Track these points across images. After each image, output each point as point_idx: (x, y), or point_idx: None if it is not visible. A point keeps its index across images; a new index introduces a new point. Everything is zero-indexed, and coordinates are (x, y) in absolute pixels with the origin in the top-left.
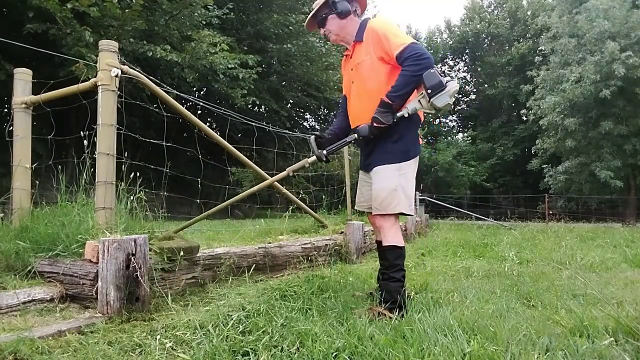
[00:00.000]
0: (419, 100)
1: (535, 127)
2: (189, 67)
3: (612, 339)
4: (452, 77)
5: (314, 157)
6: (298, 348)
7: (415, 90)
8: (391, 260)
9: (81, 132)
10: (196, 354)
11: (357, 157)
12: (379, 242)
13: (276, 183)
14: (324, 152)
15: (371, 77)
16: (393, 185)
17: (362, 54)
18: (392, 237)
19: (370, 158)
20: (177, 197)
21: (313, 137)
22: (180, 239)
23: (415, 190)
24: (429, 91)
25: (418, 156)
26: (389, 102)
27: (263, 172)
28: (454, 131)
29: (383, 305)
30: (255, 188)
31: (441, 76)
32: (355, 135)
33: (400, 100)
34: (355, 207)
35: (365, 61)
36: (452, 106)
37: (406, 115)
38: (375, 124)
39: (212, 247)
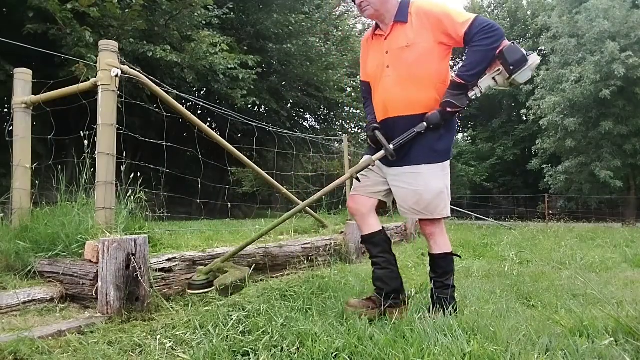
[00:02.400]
0: (493, 78)
1: (535, 127)
2: (189, 67)
3: (612, 339)
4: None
5: (382, 153)
6: (298, 348)
7: (488, 68)
8: (445, 268)
9: (81, 132)
10: (196, 354)
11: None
12: (368, 235)
13: (275, 183)
14: (391, 146)
15: (423, 62)
16: (440, 186)
17: (408, 36)
18: (444, 243)
19: (409, 154)
20: (177, 197)
21: (378, 132)
22: (233, 267)
23: None
24: (512, 67)
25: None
26: (463, 82)
27: (263, 172)
28: None
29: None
30: (321, 192)
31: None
32: (425, 124)
33: (476, 78)
34: (353, 193)
35: (418, 45)
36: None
37: (479, 95)
38: (449, 109)
39: (212, 247)
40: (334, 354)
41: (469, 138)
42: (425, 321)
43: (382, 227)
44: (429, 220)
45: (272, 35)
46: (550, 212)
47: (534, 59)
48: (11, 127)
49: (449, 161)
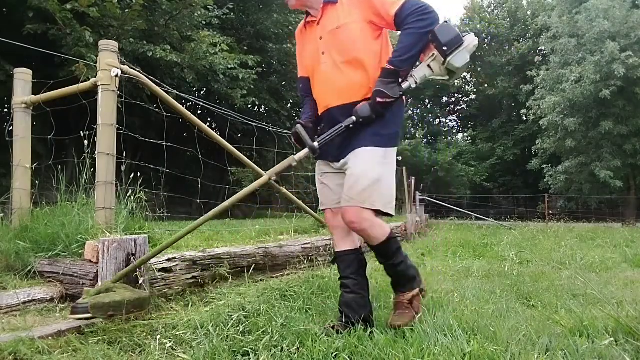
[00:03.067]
0: (428, 65)
1: (535, 127)
2: (189, 67)
3: (612, 339)
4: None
5: (305, 151)
6: (298, 348)
7: (422, 54)
8: (390, 252)
9: (81, 132)
10: (196, 354)
11: None
12: (342, 252)
13: (275, 183)
14: (316, 143)
15: (357, 43)
16: (377, 173)
17: (339, 17)
18: (380, 231)
19: (349, 141)
20: (177, 197)
21: (300, 126)
22: (125, 289)
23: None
24: (445, 48)
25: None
26: (394, 68)
27: (263, 172)
28: (454, 131)
29: (405, 291)
30: (233, 199)
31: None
32: (354, 118)
33: (408, 65)
34: (325, 208)
35: (349, 25)
36: (453, 106)
37: (413, 85)
38: (379, 99)
39: (212, 247)
40: (334, 354)
41: (469, 138)
42: (425, 321)
43: (360, 246)
44: (357, 210)
45: (272, 35)
46: (550, 212)
47: (471, 39)
48: (11, 127)
49: (394, 151)
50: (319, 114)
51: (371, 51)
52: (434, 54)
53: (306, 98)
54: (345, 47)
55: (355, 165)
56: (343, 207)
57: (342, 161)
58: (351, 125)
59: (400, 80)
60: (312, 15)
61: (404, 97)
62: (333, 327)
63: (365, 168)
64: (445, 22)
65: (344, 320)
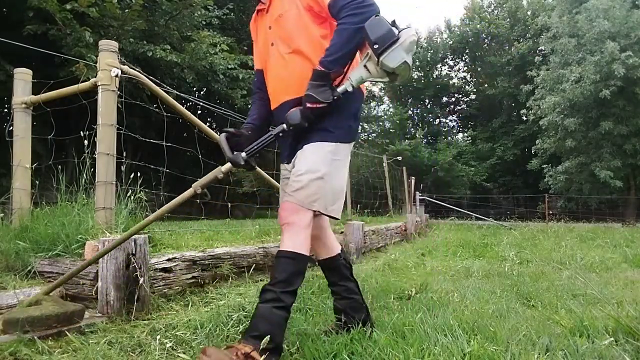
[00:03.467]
0: (364, 66)
1: (535, 127)
2: (189, 67)
3: (612, 339)
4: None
5: (228, 164)
6: (298, 348)
7: (359, 52)
8: (286, 275)
9: (81, 132)
10: (196, 354)
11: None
12: (323, 261)
13: (275, 183)
14: (243, 154)
15: (300, 32)
16: (320, 170)
17: (283, 4)
18: (299, 241)
19: (300, 139)
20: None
21: (223, 135)
22: (53, 303)
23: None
24: (376, 46)
25: (352, 143)
26: (324, 70)
27: (263, 172)
28: (454, 131)
29: (251, 342)
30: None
31: (392, 25)
32: (284, 126)
33: (339, 66)
34: None
35: (290, 12)
36: (453, 106)
37: (350, 89)
38: (309, 105)
39: (212, 247)
40: (334, 354)
41: (469, 138)
42: (425, 321)
43: (340, 250)
44: (292, 206)
45: None
46: (550, 212)
47: (407, 35)
48: (11, 127)
49: (347, 147)
50: (272, 109)
51: (313, 40)
52: (368, 52)
53: (255, 95)
54: (288, 36)
55: (299, 162)
56: (284, 201)
57: (292, 161)
58: (281, 134)
59: (333, 82)
60: (262, 2)
61: (362, 86)
62: (332, 329)
63: (308, 165)
64: (377, 15)
65: (342, 323)
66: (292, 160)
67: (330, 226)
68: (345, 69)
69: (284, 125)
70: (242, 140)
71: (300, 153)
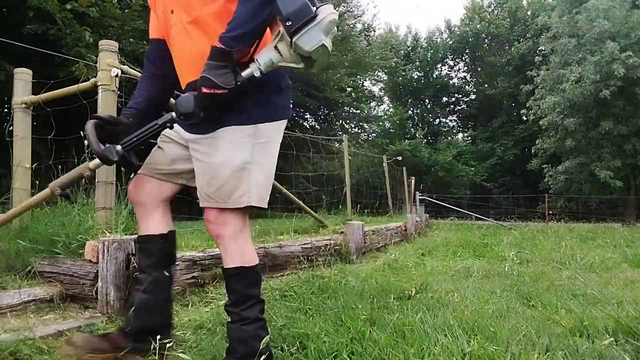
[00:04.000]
0: (275, 47)
1: (535, 127)
2: None
3: (612, 339)
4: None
5: (97, 160)
6: (298, 348)
7: (269, 30)
8: (238, 294)
9: (81, 132)
10: (196, 354)
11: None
12: (143, 237)
13: (275, 183)
14: (118, 147)
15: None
16: (241, 160)
17: None
18: (238, 253)
19: (211, 114)
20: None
21: (91, 122)
22: None
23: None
24: (288, 23)
25: (286, 121)
26: (224, 47)
27: None
28: (454, 131)
29: None
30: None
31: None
32: (173, 114)
33: (243, 44)
34: (140, 172)
35: None
36: (453, 106)
37: (257, 74)
38: (205, 90)
39: (212, 247)
40: (334, 354)
41: (469, 138)
42: (425, 321)
43: (170, 230)
44: (218, 210)
45: None
46: (550, 212)
47: (326, 13)
48: (11, 127)
49: (273, 126)
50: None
51: (219, 6)
52: (280, 31)
53: (145, 71)
54: (190, 4)
55: (213, 153)
56: (202, 206)
57: (194, 136)
58: (168, 125)
59: (236, 64)
60: None
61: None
62: (106, 336)
63: (226, 156)
64: None
65: (125, 330)
66: (196, 134)
67: (245, 235)
68: (251, 49)
69: (173, 114)
70: (120, 129)
71: (212, 141)
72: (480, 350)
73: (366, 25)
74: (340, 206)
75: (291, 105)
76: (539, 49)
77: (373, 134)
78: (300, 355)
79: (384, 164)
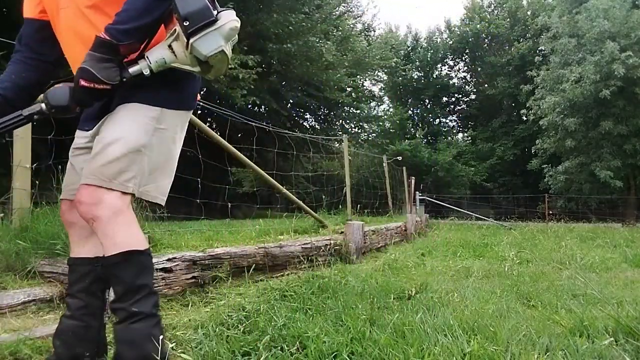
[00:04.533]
0: (169, 46)
1: (535, 127)
2: None
3: (612, 339)
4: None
5: None
6: (298, 348)
7: (164, 27)
8: (129, 280)
9: None
10: (196, 354)
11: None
12: (74, 260)
13: (275, 183)
14: None
15: None
16: (138, 140)
17: None
18: (123, 234)
19: (113, 100)
20: (177, 197)
21: None
22: None
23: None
24: (186, 23)
25: (190, 112)
26: (110, 39)
27: (263, 172)
28: (454, 131)
29: None
30: None
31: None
32: (43, 105)
33: (133, 39)
34: (62, 197)
35: None
36: (453, 106)
37: (146, 72)
38: (83, 83)
39: (212, 247)
40: (334, 354)
41: (469, 138)
42: (425, 321)
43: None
44: (93, 189)
45: (272, 35)
46: (550, 212)
47: (228, 19)
48: None
49: (177, 118)
50: None
51: None
52: (175, 30)
53: (17, 54)
54: None
55: (107, 128)
56: (81, 184)
57: (98, 127)
58: (36, 116)
59: (120, 57)
60: None
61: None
62: None
63: (121, 132)
64: None
65: (53, 357)
66: (98, 125)
67: (128, 216)
68: (141, 45)
69: (43, 105)
70: None
71: (111, 116)
72: (480, 350)
73: (366, 25)
74: (340, 206)
75: (196, 98)
76: (539, 49)
77: (373, 134)
78: (300, 355)
79: (384, 164)
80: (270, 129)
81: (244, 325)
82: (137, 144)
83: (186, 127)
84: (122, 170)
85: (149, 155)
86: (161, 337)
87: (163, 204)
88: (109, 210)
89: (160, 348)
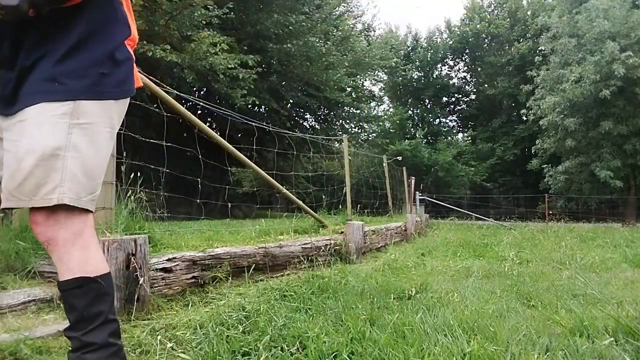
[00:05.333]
0: None
1: (535, 127)
2: (189, 67)
3: (612, 339)
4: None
5: None
6: (298, 348)
7: None
8: (82, 308)
9: None
10: (196, 354)
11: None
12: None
13: (275, 183)
14: None
15: None
16: (49, 144)
17: None
18: (79, 259)
19: (19, 88)
20: (177, 197)
21: None
22: None
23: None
24: None
25: (128, 100)
26: None
27: (263, 172)
28: (454, 131)
29: None
30: None
31: None
32: None
33: None
34: None
35: None
36: (453, 106)
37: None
38: None
39: (212, 247)
40: (334, 354)
41: (469, 138)
42: (425, 321)
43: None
44: (49, 210)
45: (272, 35)
46: (550, 212)
47: None
48: None
49: (102, 108)
50: None
51: None
52: None
53: None
54: None
55: (19, 140)
56: (5, 207)
57: (6, 121)
58: None
59: None
60: None
61: (131, 23)
62: None
63: (30, 142)
64: None
65: None
66: (17, 111)
67: (86, 239)
68: None
69: None
70: None
71: (20, 125)
72: (480, 350)
73: (366, 25)
74: (340, 206)
75: (131, 82)
76: (539, 49)
77: (373, 134)
78: (300, 355)
79: (384, 164)
80: (270, 129)
81: (244, 325)
82: (48, 148)
83: (122, 119)
84: (40, 183)
85: (73, 157)
86: None
87: (93, 210)
88: (68, 234)
89: None
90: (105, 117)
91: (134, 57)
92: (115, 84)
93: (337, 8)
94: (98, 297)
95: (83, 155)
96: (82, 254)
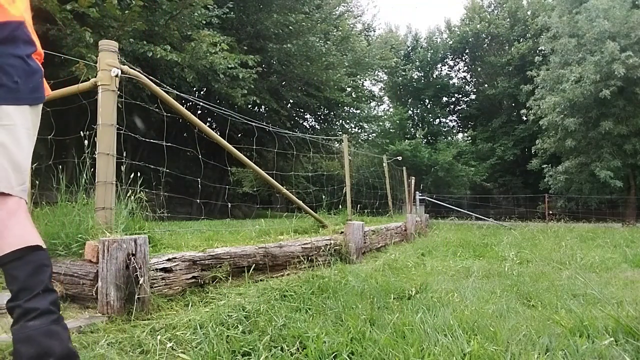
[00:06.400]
0: None
1: (535, 127)
2: (189, 67)
3: (612, 339)
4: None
5: None
6: (298, 348)
7: None
8: (23, 278)
9: (81, 132)
10: (196, 354)
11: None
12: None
13: (275, 183)
14: None
15: None
16: None
17: None
18: (17, 233)
19: None
20: (177, 197)
21: None
22: None
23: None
24: None
25: (41, 106)
26: None
27: (263, 172)
28: (454, 131)
29: None
30: None
31: None
32: None
33: None
34: None
35: None
36: (453, 106)
37: None
38: None
39: (212, 247)
40: (334, 354)
41: (469, 138)
42: (425, 321)
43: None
44: None
45: (272, 35)
46: (550, 212)
47: None
48: None
49: (19, 112)
50: None
51: None
52: None
53: None
54: None
55: None
56: None
57: None
58: None
59: None
60: None
61: (31, 31)
62: None
63: None
64: None
65: None
66: None
67: (21, 217)
68: None
69: None
70: None
71: None
72: (480, 350)
73: (366, 25)
74: (340, 206)
75: (42, 90)
76: (539, 49)
77: (373, 134)
78: (300, 355)
79: (384, 164)
80: (270, 129)
81: (244, 325)
82: None
83: (38, 124)
84: None
85: (3, 152)
86: (64, 334)
87: (25, 198)
88: (2, 212)
89: (62, 344)
90: (22, 119)
91: (42, 69)
92: (29, 92)
93: (337, 8)
94: (38, 267)
95: (9, 151)
96: (19, 228)
